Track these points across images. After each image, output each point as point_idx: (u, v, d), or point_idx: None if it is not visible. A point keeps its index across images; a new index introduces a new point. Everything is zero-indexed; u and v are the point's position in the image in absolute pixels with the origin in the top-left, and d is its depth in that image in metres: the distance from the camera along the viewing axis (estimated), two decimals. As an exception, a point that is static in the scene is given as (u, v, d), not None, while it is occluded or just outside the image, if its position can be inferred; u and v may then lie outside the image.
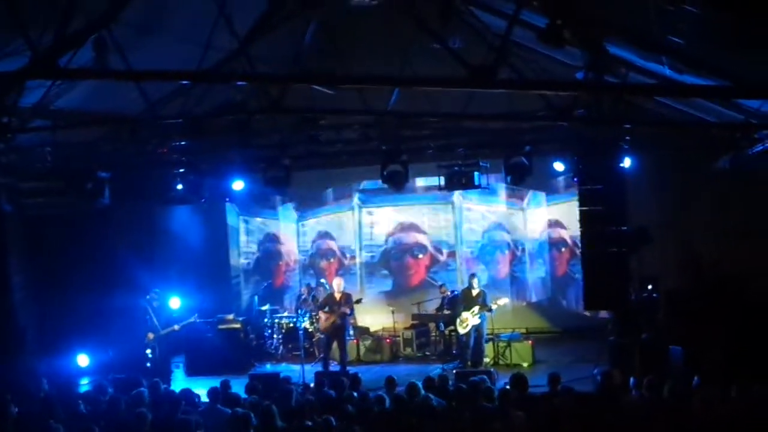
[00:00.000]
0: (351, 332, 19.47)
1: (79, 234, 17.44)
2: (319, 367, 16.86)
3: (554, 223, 21.00)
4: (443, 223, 21.63)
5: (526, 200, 21.09)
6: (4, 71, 10.76)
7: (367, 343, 18.96)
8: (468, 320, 16.80)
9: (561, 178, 19.39)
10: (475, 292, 17.07)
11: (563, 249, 20.97)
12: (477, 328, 16.84)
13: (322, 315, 17.12)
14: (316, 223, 22.20)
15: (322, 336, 17.27)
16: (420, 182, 20.61)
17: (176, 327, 16.61)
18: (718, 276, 15.94)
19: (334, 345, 17.02)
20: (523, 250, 21.33)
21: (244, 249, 22.40)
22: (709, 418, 9.27)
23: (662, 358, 14.08)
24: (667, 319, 15.75)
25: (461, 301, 17.26)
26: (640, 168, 16.03)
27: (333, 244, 22.15)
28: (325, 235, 22.19)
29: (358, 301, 18.17)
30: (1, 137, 12.93)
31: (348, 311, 17.01)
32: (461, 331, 16.96)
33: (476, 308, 16.78)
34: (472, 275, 17.65)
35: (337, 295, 17.05)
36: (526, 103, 13.69)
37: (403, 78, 10.80)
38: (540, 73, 12.51)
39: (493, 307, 16.98)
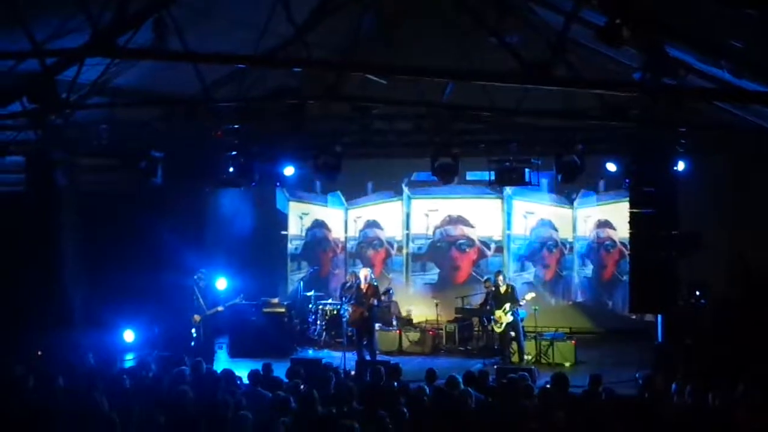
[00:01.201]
0: (394, 322, 19.51)
1: (131, 212, 17.61)
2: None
3: (603, 224, 20.82)
4: (491, 218, 21.52)
5: (576, 199, 20.93)
6: (65, 48, 10.90)
7: (410, 334, 18.98)
8: (502, 318, 16.81)
9: (612, 179, 19.18)
10: (503, 289, 17.09)
11: (611, 250, 20.79)
12: (512, 326, 16.78)
13: (349, 308, 17.13)
14: (365, 211, 22.20)
15: (352, 329, 17.28)
16: (470, 176, 20.51)
17: (221, 308, 16.76)
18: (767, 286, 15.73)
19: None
20: (571, 249, 21.18)
21: (292, 234, 22.47)
22: (753, 427, 9.14)
23: (707, 366, 13.89)
24: (714, 326, 15.56)
25: (492, 299, 17.28)
26: (694, 172, 15.88)
27: (380, 234, 22.15)
28: (372, 224, 22.19)
29: (386, 292, 18.16)
30: (59, 113, 13.08)
31: (375, 302, 16.93)
32: (497, 329, 17.02)
33: (507, 305, 16.76)
34: (498, 272, 17.72)
35: (364, 287, 17.03)
36: (581, 102, 13.57)
37: (459, 71, 10.71)
38: (596, 71, 12.39)
39: (522, 302, 16.93)
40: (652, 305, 15.87)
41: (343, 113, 15.11)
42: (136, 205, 17.54)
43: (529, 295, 17.16)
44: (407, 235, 22.02)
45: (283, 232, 22.38)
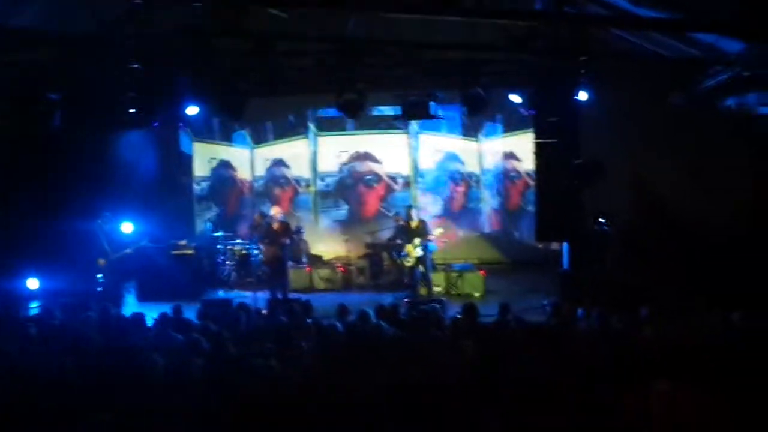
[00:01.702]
0: (304, 260, 19.47)
1: (31, 157, 17.10)
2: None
3: (509, 155, 21.00)
4: (398, 154, 21.51)
5: (481, 132, 21.03)
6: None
7: (321, 271, 18.96)
8: (412, 252, 16.77)
9: (517, 111, 19.29)
10: (414, 224, 17.00)
11: (517, 181, 21.00)
12: (422, 260, 16.81)
13: (262, 247, 16.96)
14: (271, 150, 21.97)
15: (266, 268, 17.13)
16: (376, 112, 20.45)
17: (128, 251, 16.44)
18: (670, 212, 16.07)
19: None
20: (477, 181, 21.33)
21: (197, 175, 22.15)
22: (658, 345, 9.35)
23: (612, 292, 14.20)
24: (618, 253, 15.88)
25: (403, 234, 17.24)
26: (597, 102, 15.99)
27: (287, 172, 21.98)
28: (279, 162, 21.98)
29: (297, 231, 18.05)
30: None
31: (287, 241, 16.83)
32: (407, 264, 16.98)
33: (417, 240, 16.75)
34: (409, 207, 17.65)
35: (275, 225, 16.80)
36: (486, 35, 13.55)
37: (362, 1, 10.58)
38: (500, 2, 12.36)
39: (431, 237, 16.96)
40: (558, 234, 16.12)
41: (246, 50, 14.83)
42: (36, 149, 17.03)
43: (438, 231, 17.17)
44: (315, 172, 21.89)
45: (187, 174, 22.03)
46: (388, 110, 19.19)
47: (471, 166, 21.34)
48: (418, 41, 13.95)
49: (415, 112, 16.31)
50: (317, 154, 21.80)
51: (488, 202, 21.36)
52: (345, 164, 21.74)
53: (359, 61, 15.69)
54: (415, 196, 21.35)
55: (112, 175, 18.31)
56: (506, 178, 21.10)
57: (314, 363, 9.07)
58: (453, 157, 21.35)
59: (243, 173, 22.12)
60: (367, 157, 21.65)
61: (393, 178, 21.61)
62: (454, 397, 7.58)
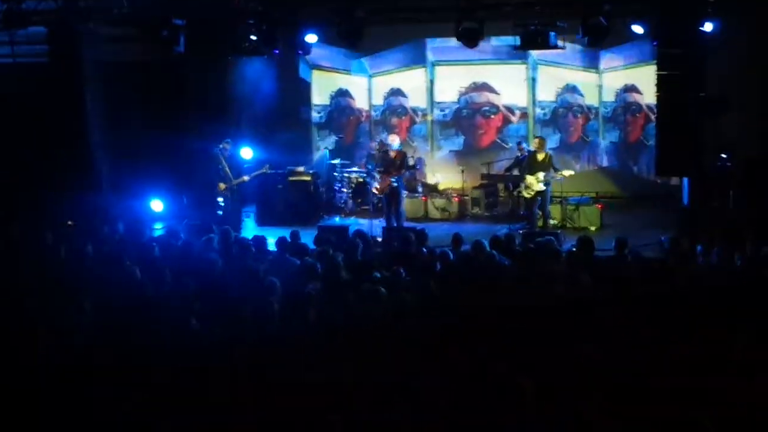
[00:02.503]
0: (420, 189, 19.49)
1: (155, 82, 17.48)
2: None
3: (630, 88, 20.45)
4: (516, 85, 21.18)
5: (601, 63, 20.53)
6: None
7: (436, 201, 18.97)
8: (533, 185, 16.47)
9: (640, 42, 18.74)
10: (540, 157, 16.59)
11: (638, 114, 20.47)
12: (542, 195, 16.55)
13: (377, 175, 16.92)
14: (389, 79, 21.89)
15: (381, 197, 17.15)
16: (494, 41, 20.10)
17: (246, 178, 16.65)
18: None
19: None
20: (597, 114, 20.90)
21: (316, 103, 22.27)
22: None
23: (733, 228, 13.82)
24: (741, 188, 15.44)
25: (527, 164, 16.94)
26: (724, 33, 15.44)
27: (404, 101, 21.90)
28: (396, 92, 21.89)
29: (413, 167, 17.92)
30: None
31: (403, 172, 16.77)
32: (526, 195, 16.72)
33: (541, 174, 16.41)
34: (537, 138, 17.26)
35: (392, 154, 16.66)
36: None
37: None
38: None
39: (558, 177, 16.62)
40: (678, 168, 15.76)
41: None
42: (160, 74, 17.39)
43: (568, 172, 16.73)
44: (432, 102, 21.76)
45: (306, 101, 22.16)
46: (507, 40, 18.82)
47: (590, 99, 20.86)
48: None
49: (534, 41, 16.04)
50: (434, 83, 21.64)
51: (607, 136, 20.93)
52: (462, 94, 21.54)
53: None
54: (531, 128, 21.04)
55: (233, 101, 18.58)
56: (626, 111, 20.59)
57: (424, 286, 9.09)
58: (572, 89, 20.92)
59: (361, 102, 22.14)
60: (484, 87, 21.38)
61: (510, 110, 21.33)
62: (566, 322, 7.56)
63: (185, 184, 17.47)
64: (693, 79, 14.84)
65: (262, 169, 16.95)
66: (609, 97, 20.74)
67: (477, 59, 20.65)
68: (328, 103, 22.23)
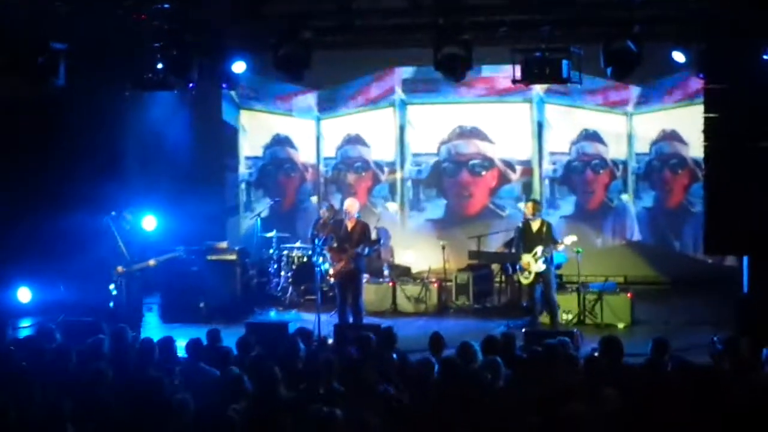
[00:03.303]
0: (386, 272, 19.49)
1: (25, 126, 17.45)
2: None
3: (669, 135, 20.74)
4: (517, 130, 21.39)
5: (632, 102, 20.79)
6: None
7: (408, 287, 19.00)
8: (530, 265, 16.52)
9: (682, 74, 19.03)
10: (535, 226, 16.71)
11: (680, 171, 20.75)
12: (542, 277, 16.61)
13: (327, 254, 16.87)
14: (344, 123, 22.05)
15: (334, 282, 17.10)
16: (487, 71, 20.33)
17: (152, 262, 16.48)
18: None
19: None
20: (625, 169, 21.11)
21: (246, 154, 22.37)
22: None
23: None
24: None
25: (519, 239, 17.00)
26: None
27: (365, 153, 22.04)
28: (354, 139, 22.06)
29: (376, 242, 17.90)
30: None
31: (364, 250, 16.72)
32: (523, 281, 16.81)
33: (539, 249, 16.50)
34: (530, 201, 17.43)
35: (350, 224, 16.71)
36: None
37: None
38: None
39: (560, 247, 16.70)
40: (735, 244, 15.87)
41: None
42: (32, 116, 17.37)
43: (570, 239, 16.87)
44: (402, 153, 21.90)
45: (232, 152, 22.23)
46: (503, 70, 19.04)
47: (616, 149, 21.11)
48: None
49: (541, 73, 16.16)
50: (406, 129, 21.80)
51: (639, 200, 21.13)
52: (444, 143, 21.71)
53: (465, 1, 15.69)
54: (537, 187, 21.21)
55: (130, 152, 18.58)
56: (665, 166, 20.84)
57: (397, 413, 9.06)
58: (592, 136, 21.15)
59: (306, 153, 22.26)
60: (474, 134, 21.58)
61: (509, 164, 21.51)
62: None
63: (63, 265, 17.36)
64: (753, 123, 15.02)
65: (173, 253, 16.81)
66: (642, 147, 21.00)
67: (464, 98, 20.85)
68: (261, 154, 22.34)
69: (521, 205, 17.37)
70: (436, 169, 21.84)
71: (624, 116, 21.01)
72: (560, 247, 16.64)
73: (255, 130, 22.32)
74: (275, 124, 22.26)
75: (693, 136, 18.29)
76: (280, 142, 22.34)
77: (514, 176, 21.52)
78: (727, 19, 14.85)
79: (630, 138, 21.07)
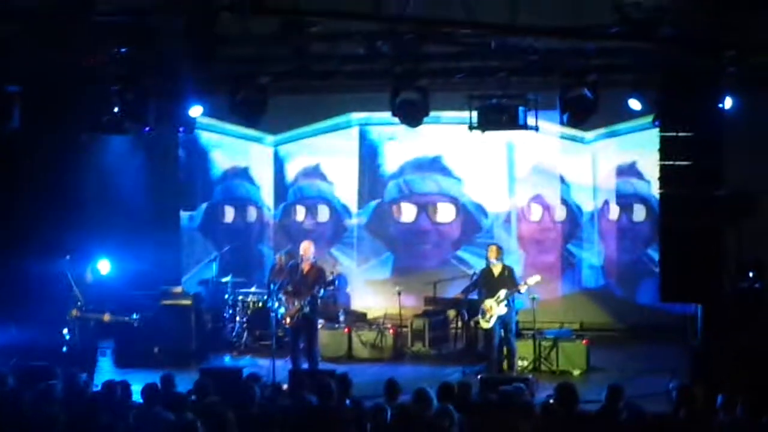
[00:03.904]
0: (341, 318, 19.46)
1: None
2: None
3: (626, 170, 20.81)
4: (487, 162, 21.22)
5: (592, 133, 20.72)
6: None
7: (363, 333, 18.99)
8: (492, 309, 16.59)
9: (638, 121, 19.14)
10: (496, 270, 16.83)
11: (639, 215, 20.72)
12: (505, 321, 16.68)
13: (284, 297, 16.78)
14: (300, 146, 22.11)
15: (288, 327, 17.00)
16: (443, 120, 20.23)
17: (107, 317, 16.40)
18: None
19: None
20: (580, 211, 21.15)
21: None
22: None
23: (765, 373, 14.04)
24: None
25: (481, 284, 17.11)
26: (747, 112, 15.87)
27: (328, 189, 22.05)
28: (312, 170, 22.11)
29: (332, 283, 17.84)
30: None
31: (319, 292, 16.58)
32: (484, 325, 16.82)
33: (502, 292, 16.58)
34: (490, 245, 17.43)
35: (305, 268, 16.67)
36: (594, 15, 13.55)
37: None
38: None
39: (522, 288, 16.80)
40: (690, 292, 15.94)
41: (270, 32, 14.98)
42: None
43: (533, 279, 16.91)
44: (360, 194, 21.85)
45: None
46: (458, 118, 19.05)
47: (574, 189, 21.09)
48: (503, 23, 14.01)
49: (498, 119, 16.22)
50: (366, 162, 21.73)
51: (594, 244, 21.19)
52: (394, 176, 21.69)
53: (421, 48, 15.77)
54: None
55: (86, 196, 18.51)
56: (623, 207, 20.88)
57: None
58: (545, 173, 21.13)
59: (264, 190, 22.18)
60: (434, 167, 21.53)
61: (480, 208, 21.37)
62: None
63: (16, 308, 17.23)
64: (708, 171, 15.13)
65: (129, 318, 16.61)
66: (603, 181, 21.04)
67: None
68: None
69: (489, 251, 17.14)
70: (378, 213, 21.87)
71: (581, 145, 21.01)
72: (523, 289, 16.74)
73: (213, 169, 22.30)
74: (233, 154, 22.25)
75: (652, 173, 18.08)
76: (239, 174, 22.32)
77: (485, 221, 21.50)
78: (682, 67, 14.99)
79: (592, 170, 21.09)
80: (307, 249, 16.89)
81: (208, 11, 14.46)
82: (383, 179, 21.76)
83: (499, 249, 17.19)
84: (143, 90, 16.35)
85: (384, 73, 16.38)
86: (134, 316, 16.69)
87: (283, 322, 16.84)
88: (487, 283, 16.83)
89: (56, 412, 10.37)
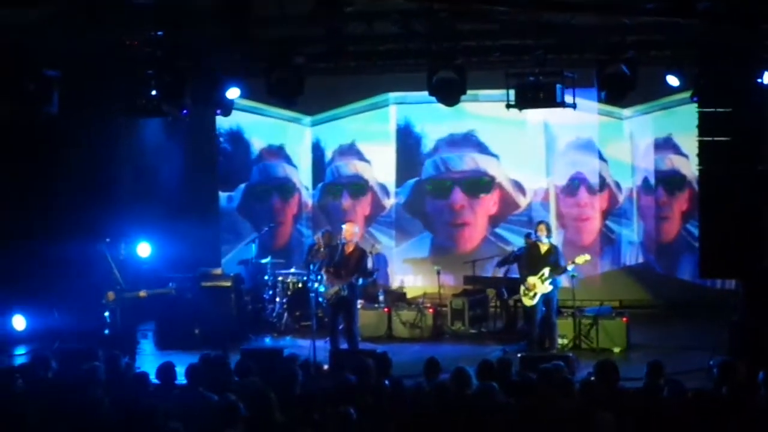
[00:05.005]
0: (381, 298, 19.48)
1: (17, 154, 17.47)
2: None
3: (665, 147, 20.74)
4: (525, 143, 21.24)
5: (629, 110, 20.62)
6: None
7: (403, 313, 19.03)
8: (536, 287, 16.59)
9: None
10: (543, 248, 16.80)
11: (677, 192, 20.67)
12: (546, 299, 16.72)
13: (326, 275, 16.79)
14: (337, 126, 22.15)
15: (329, 308, 16.98)
16: (481, 97, 20.19)
17: (143, 293, 16.43)
18: None
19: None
20: (619, 187, 21.07)
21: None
22: None
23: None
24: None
25: (525, 261, 17.10)
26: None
27: (365, 170, 22.08)
28: (349, 150, 22.15)
29: (371, 274, 17.82)
30: None
31: (357, 281, 16.59)
32: (527, 302, 16.79)
33: (546, 270, 16.60)
34: (540, 223, 17.30)
35: (348, 249, 16.65)
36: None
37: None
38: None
39: (570, 267, 16.81)
40: (731, 269, 15.89)
41: (305, 12, 14.98)
42: (24, 142, 17.40)
43: (582, 258, 16.82)
44: (397, 173, 21.88)
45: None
46: (496, 95, 19.00)
47: (612, 164, 21.09)
48: (539, 0, 13.96)
49: (535, 97, 16.19)
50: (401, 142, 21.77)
51: (633, 221, 21.11)
52: (429, 155, 21.71)
53: (458, 27, 15.75)
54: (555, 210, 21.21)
55: (124, 179, 18.60)
56: (661, 183, 20.80)
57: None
58: (585, 146, 21.13)
59: (303, 171, 22.27)
60: (470, 142, 21.50)
61: (518, 185, 21.39)
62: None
63: (57, 292, 17.36)
64: (747, 146, 15.07)
65: (165, 289, 16.74)
66: (640, 160, 21.02)
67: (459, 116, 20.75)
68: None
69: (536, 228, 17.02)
70: (417, 191, 21.89)
71: (619, 120, 20.96)
72: (570, 267, 16.79)
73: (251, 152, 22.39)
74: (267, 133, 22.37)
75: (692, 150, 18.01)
76: (275, 153, 22.44)
77: (524, 200, 21.49)
78: (720, 42, 14.92)
79: (627, 149, 21.07)
80: (350, 231, 16.82)
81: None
82: (420, 158, 21.73)
83: (548, 227, 17.17)
84: (180, 73, 16.35)
85: (420, 52, 16.39)
86: (170, 285, 16.81)
87: (324, 301, 16.84)
88: (532, 260, 16.81)
89: (100, 394, 10.45)
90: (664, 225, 20.89)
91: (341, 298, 16.42)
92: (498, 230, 21.38)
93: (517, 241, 19.85)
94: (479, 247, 21.39)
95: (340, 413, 9.66)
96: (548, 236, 16.86)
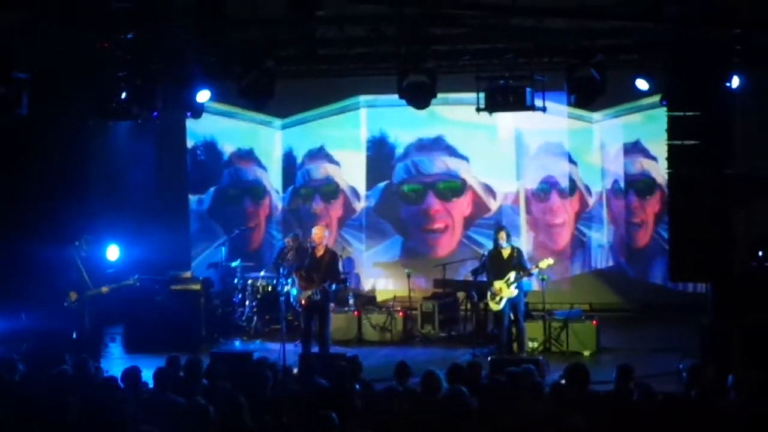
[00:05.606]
0: (351, 301, 19.45)
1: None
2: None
3: (635, 150, 20.75)
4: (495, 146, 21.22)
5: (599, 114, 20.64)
6: None
7: (373, 317, 19.02)
8: (503, 291, 16.61)
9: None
10: (506, 253, 16.81)
11: (648, 195, 20.71)
12: (513, 303, 16.72)
13: (298, 279, 16.70)
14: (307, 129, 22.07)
15: (300, 311, 16.96)
16: (451, 100, 20.17)
17: (104, 289, 16.39)
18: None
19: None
20: (589, 191, 21.12)
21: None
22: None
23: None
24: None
25: (490, 266, 17.10)
26: (754, 91, 15.84)
27: (336, 173, 22.03)
28: (320, 153, 22.10)
29: (343, 281, 17.81)
30: None
31: (330, 287, 16.50)
32: (494, 307, 16.82)
33: (512, 274, 16.62)
34: (499, 228, 17.34)
35: (319, 252, 16.61)
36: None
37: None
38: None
39: (534, 270, 16.86)
40: (699, 272, 15.93)
41: (277, 15, 14.96)
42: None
43: (545, 263, 16.89)
44: (367, 177, 21.86)
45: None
46: (466, 98, 19.03)
47: (583, 167, 21.10)
48: (509, 4, 13.96)
49: (505, 100, 16.24)
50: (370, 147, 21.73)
51: (604, 224, 21.15)
52: (400, 159, 21.67)
53: (429, 30, 15.75)
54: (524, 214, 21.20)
55: (94, 182, 18.53)
56: (630, 186, 20.85)
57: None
58: (555, 150, 21.14)
59: (273, 173, 22.17)
60: (439, 146, 21.49)
61: (488, 188, 21.37)
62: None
63: (25, 294, 17.26)
64: (716, 150, 15.10)
65: (128, 280, 16.68)
66: (609, 162, 21.05)
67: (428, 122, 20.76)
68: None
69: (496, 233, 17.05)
70: (386, 193, 21.86)
71: (589, 124, 20.99)
72: (534, 271, 16.82)
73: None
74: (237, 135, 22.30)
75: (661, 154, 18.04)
76: (244, 156, 22.34)
77: (493, 203, 21.47)
78: (689, 46, 14.97)
79: (602, 151, 21.10)
80: (320, 234, 16.81)
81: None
82: (391, 161, 21.71)
83: (507, 231, 17.18)
84: (150, 75, 16.33)
85: (391, 55, 16.41)
86: (135, 276, 16.73)
87: (297, 304, 16.79)
88: (496, 265, 16.82)
89: (69, 398, 10.38)
90: (636, 229, 20.91)
91: (315, 302, 16.38)
92: (469, 233, 21.34)
93: (488, 245, 19.76)
94: (450, 250, 21.30)
95: (322, 417, 9.64)
96: (508, 240, 16.87)
